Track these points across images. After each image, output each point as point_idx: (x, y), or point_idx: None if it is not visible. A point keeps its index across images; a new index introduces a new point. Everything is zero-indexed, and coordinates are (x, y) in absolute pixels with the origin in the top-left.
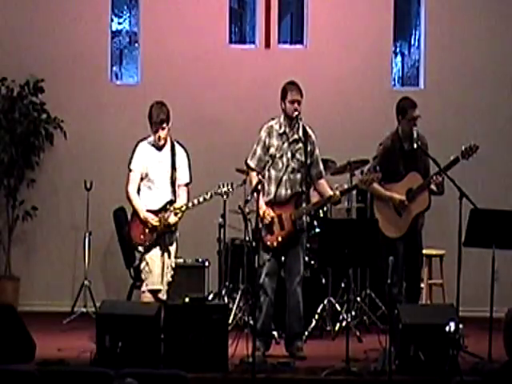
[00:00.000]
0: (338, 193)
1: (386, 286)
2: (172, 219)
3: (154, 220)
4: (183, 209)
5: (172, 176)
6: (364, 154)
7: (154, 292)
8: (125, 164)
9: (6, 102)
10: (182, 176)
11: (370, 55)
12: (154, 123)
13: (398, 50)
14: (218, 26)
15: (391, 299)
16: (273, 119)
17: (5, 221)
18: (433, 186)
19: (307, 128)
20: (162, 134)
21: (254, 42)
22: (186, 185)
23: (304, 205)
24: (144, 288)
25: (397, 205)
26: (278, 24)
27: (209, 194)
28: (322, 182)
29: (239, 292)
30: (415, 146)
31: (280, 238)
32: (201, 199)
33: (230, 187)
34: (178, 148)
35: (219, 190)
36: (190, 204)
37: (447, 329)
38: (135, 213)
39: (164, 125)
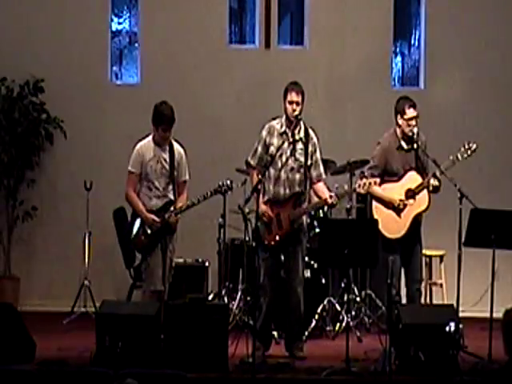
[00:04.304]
0: (333, 201)
1: (385, 285)
2: (172, 219)
3: (155, 221)
4: (183, 208)
5: (171, 175)
6: (364, 154)
7: (155, 292)
8: (125, 164)
9: (5, 102)
10: (181, 174)
11: (370, 55)
12: (166, 121)
13: (398, 49)
14: (218, 26)
15: (391, 299)
16: (274, 119)
17: (5, 221)
18: (435, 182)
19: (309, 129)
20: (170, 133)
21: (254, 42)
22: (185, 182)
23: (304, 205)
24: (144, 288)
25: (397, 204)
26: (277, 24)
27: (208, 193)
28: (321, 184)
29: (239, 292)
30: (415, 146)
31: (278, 237)
32: (200, 198)
33: (229, 185)
34: (175, 146)
35: (218, 188)
36: (190, 203)
37: (447, 329)
38: (135, 214)
39: (173, 124)
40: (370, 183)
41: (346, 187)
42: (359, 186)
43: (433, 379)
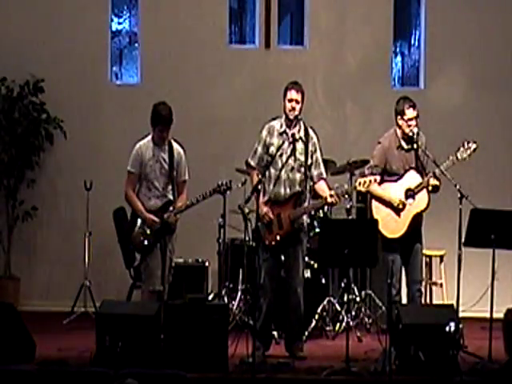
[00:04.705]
0: (333, 199)
1: (385, 285)
2: (172, 219)
3: (154, 221)
4: (182, 208)
5: (170, 175)
6: (364, 154)
7: (155, 292)
8: (125, 164)
9: (5, 102)
10: (181, 174)
11: (370, 55)
12: (163, 122)
13: (398, 49)
14: (218, 26)
15: (391, 299)
16: (274, 119)
17: (5, 221)
18: (435, 181)
19: (309, 129)
20: (167, 134)
21: (254, 42)
22: (185, 182)
23: (304, 204)
24: (144, 288)
25: (397, 205)
26: (277, 24)
27: (207, 193)
28: (322, 183)
29: (239, 292)
30: (415, 146)
31: (278, 237)
32: (199, 198)
33: (228, 184)
34: (175, 146)
35: (217, 188)
36: (189, 203)
37: (447, 329)
38: (135, 214)
39: (170, 125)
40: (370, 181)
41: (346, 186)
42: (359, 183)
43: (433, 379)
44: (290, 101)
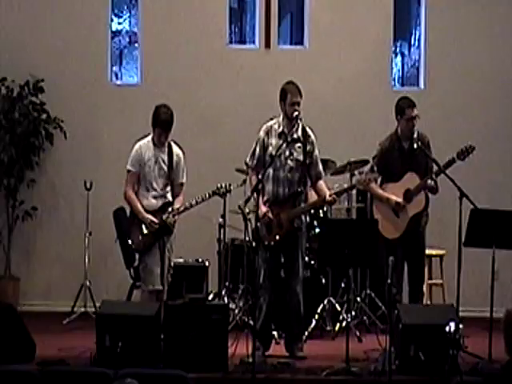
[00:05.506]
0: (331, 198)
1: (385, 286)
2: (170, 220)
3: (153, 222)
4: (181, 210)
5: (169, 176)
6: (364, 154)
7: (153, 292)
8: (125, 164)
9: (5, 102)
10: (179, 176)
11: (370, 55)
12: (161, 126)
13: (398, 50)
14: (218, 26)
15: (391, 299)
16: (272, 119)
17: (5, 221)
18: (431, 183)
19: (307, 128)
20: (165, 137)
21: (254, 42)
22: (182, 185)
23: (303, 204)
24: (144, 288)
25: (393, 206)
26: (277, 24)
27: (207, 195)
28: (321, 182)
29: (239, 292)
30: (415, 146)
31: (277, 237)
32: (198, 200)
33: (227, 187)
34: (174, 148)
35: (217, 190)
36: (188, 205)
37: (447, 329)
38: (133, 214)
39: (170, 129)
40: (369, 179)
41: (345, 186)
42: (358, 181)
43: (433, 379)
44: (293, 104)
